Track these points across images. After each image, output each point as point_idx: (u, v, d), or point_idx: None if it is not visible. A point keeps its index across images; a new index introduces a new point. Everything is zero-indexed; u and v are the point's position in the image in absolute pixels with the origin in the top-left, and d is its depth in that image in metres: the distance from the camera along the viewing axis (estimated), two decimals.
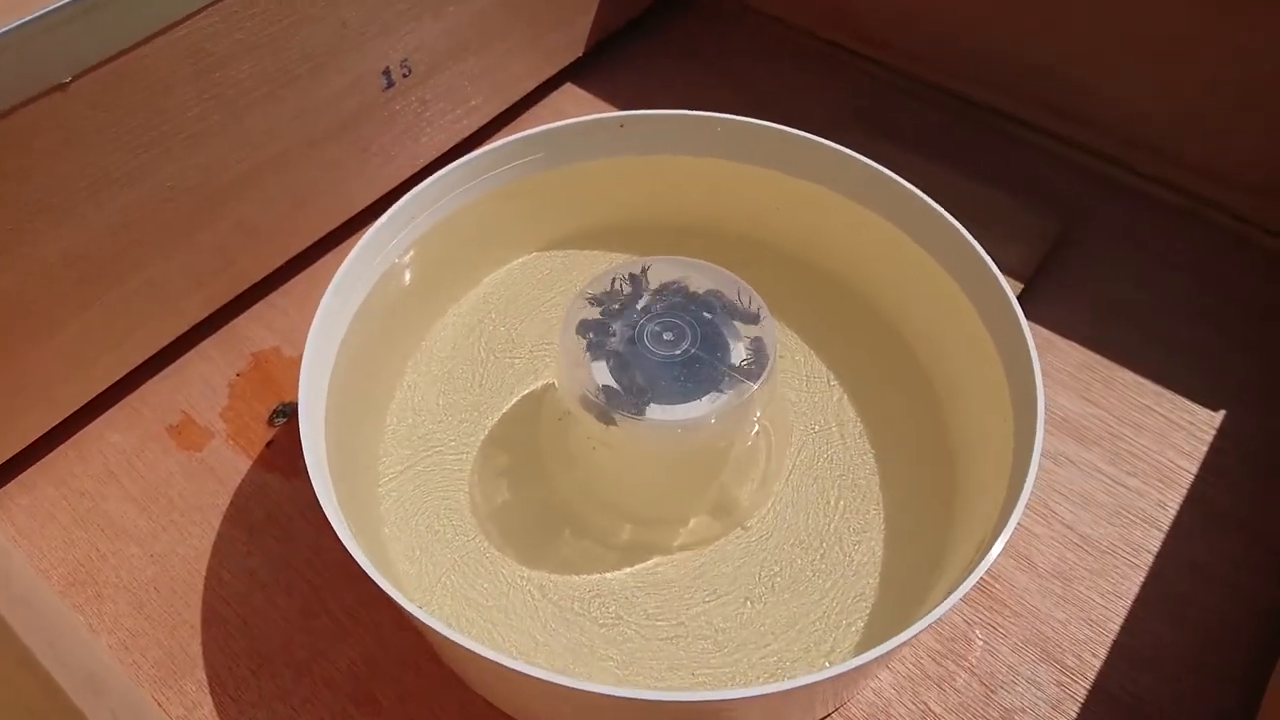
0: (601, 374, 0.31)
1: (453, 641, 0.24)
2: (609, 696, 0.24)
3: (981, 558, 0.26)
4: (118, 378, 0.39)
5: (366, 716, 0.32)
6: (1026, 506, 0.33)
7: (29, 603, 0.28)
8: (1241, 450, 0.38)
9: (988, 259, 0.32)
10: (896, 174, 0.35)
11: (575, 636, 0.31)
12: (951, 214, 0.34)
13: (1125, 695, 0.32)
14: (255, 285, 0.42)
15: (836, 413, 0.36)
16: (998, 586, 0.34)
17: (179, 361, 0.41)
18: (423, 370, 0.37)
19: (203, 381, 0.40)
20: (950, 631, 0.33)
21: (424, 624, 0.25)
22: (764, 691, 0.24)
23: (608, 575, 0.32)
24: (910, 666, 0.33)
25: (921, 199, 0.34)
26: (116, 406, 0.40)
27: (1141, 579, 0.35)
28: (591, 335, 0.32)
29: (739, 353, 0.31)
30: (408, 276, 0.36)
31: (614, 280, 0.33)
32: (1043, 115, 0.49)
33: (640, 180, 0.39)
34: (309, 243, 0.43)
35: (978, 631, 0.33)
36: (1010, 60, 0.48)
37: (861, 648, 0.31)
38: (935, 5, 0.49)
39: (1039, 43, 0.47)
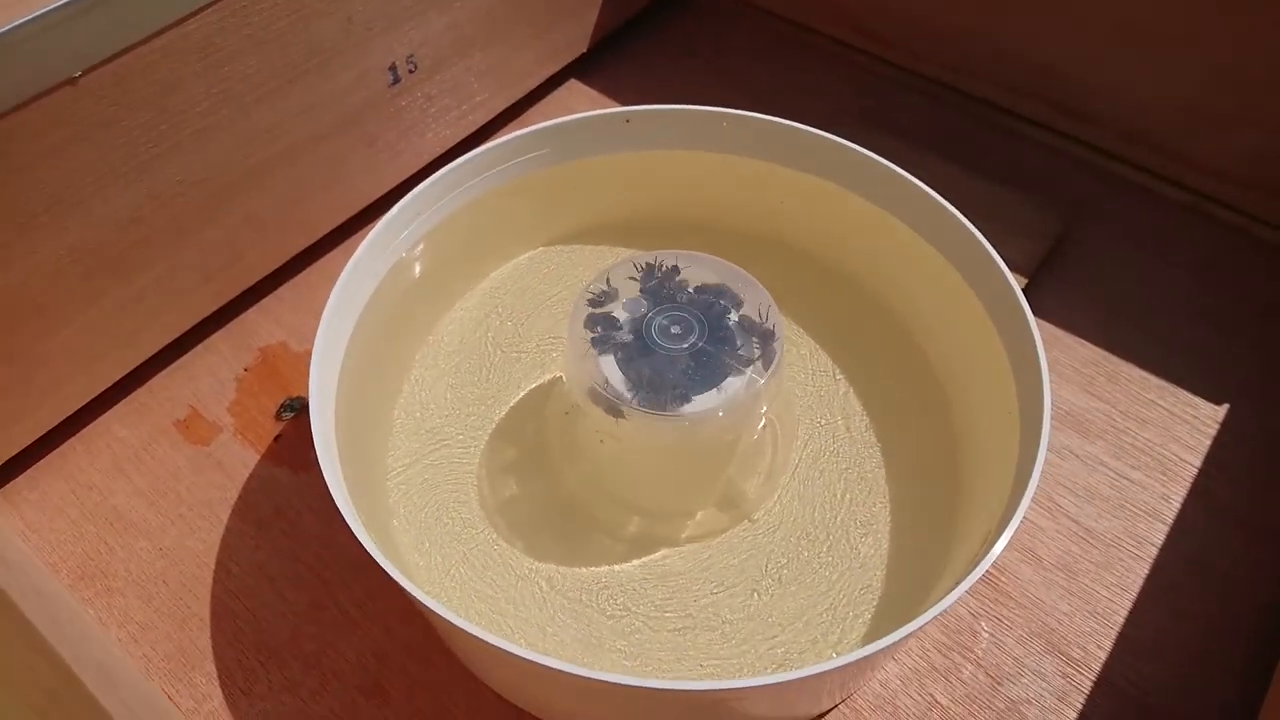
0: (610, 368, 0.31)
1: (464, 631, 0.24)
2: (618, 685, 0.24)
3: (987, 551, 0.26)
4: (125, 372, 0.39)
5: (375, 708, 0.32)
6: (1032, 499, 0.34)
7: (41, 593, 0.28)
8: (1244, 444, 0.38)
9: (994, 253, 0.32)
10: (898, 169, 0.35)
11: (584, 628, 0.31)
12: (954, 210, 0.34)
13: (1129, 686, 0.32)
14: (262, 280, 0.42)
15: (842, 407, 0.36)
16: (1003, 579, 0.35)
17: (186, 356, 0.41)
18: (430, 364, 0.38)
19: (210, 376, 0.40)
20: (956, 624, 0.34)
21: (435, 613, 0.25)
22: (772, 681, 0.24)
23: (616, 567, 0.33)
24: (917, 658, 0.33)
25: (927, 193, 0.34)
26: (124, 401, 0.40)
27: (1145, 571, 0.35)
28: (599, 329, 0.32)
29: (746, 346, 0.31)
30: (415, 270, 0.36)
31: (622, 274, 0.33)
32: (1045, 111, 0.49)
33: (646, 175, 0.39)
34: (315, 238, 0.44)
35: (983, 624, 0.34)
36: (1012, 56, 0.48)
37: (868, 639, 0.31)
38: (936, 1, 0.49)
39: (1041, 39, 0.47)
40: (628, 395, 0.30)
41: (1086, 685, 0.32)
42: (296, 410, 0.39)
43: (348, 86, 0.40)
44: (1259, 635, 0.33)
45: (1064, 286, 0.43)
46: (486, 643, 0.24)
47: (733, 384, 0.30)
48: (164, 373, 0.41)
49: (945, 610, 0.25)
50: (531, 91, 0.50)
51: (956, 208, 0.34)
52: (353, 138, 0.42)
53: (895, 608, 0.32)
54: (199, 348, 0.41)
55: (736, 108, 0.37)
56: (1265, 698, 0.32)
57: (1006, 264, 0.32)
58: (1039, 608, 0.34)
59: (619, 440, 0.32)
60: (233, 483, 0.37)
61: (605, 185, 0.40)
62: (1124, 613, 0.34)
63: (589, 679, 0.24)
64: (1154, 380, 0.40)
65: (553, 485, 0.35)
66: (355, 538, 0.26)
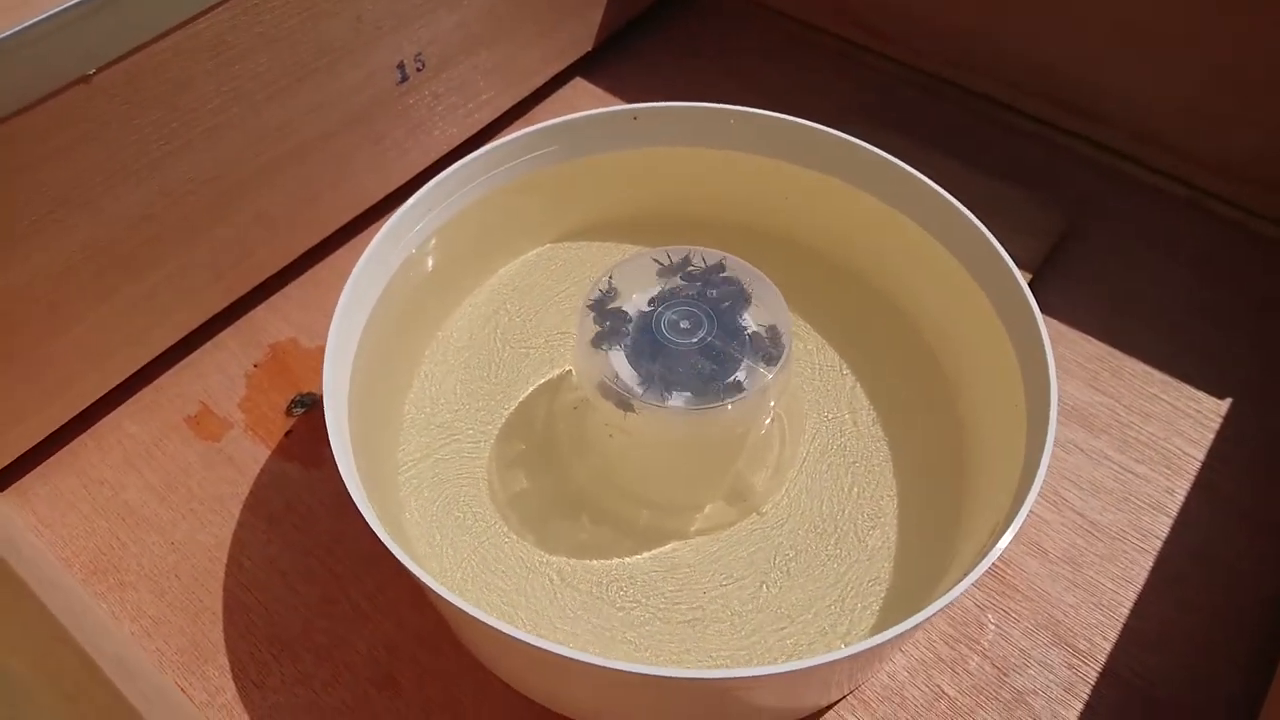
0: (619, 361, 0.31)
1: (476, 620, 0.24)
2: (629, 673, 0.24)
3: (994, 544, 0.27)
4: (136, 369, 0.39)
5: (387, 699, 0.32)
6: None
7: (56, 586, 0.28)
8: (1247, 438, 0.38)
9: (1001, 250, 0.33)
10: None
11: (594, 620, 0.32)
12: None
13: (1135, 678, 0.33)
14: (270, 278, 0.43)
15: (850, 401, 0.37)
16: (1009, 571, 0.35)
17: (197, 353, 0.41)
18: (440, 360, 0.38)
19: (220, 372, 0.41)
20: (963, 616, 0.34)
21: (447, 602, 0.25)
22: (782, 670, 0.24)
23: (625, 560, 0.33)
24: (924, 650, 0.33)
25: (934, 190, 0.35)
26: (135, 398, 0.40)
27: (1150, 564, 0.35)
28: (609, 323, 0.32)
29: (755, 341, 0.32)
30: (426, 266, 0.36)
31: (630, 269, 0.33)
32: (1048, 109, 0.49)
33: (653, 172, 0.40)
34: (324, 235, 0.44)
35: (990, 616, 0.34)
36: (1015, 54, 0.49)
37: (876, 631, 0.31)
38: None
39: (1042, 37, 0.47)
40: (637, 389, 0.31)
41: (1092, 676, 0.33)
42: (307, 406, 0.39)
43: (356, 85, 0.40)
44: (1264, 627, 0.34)
45: (1067, 283, 0.43)
46: (499, 631, 0.24)
47: (741, 378, 0.31)
48: (174, 369, 0.41)
49: (952, 602, 0.26)
50: (537, 90, 0.51)
51: (962, 203, 0.34)
52: (361, 136, 0.42)
53: (903, 600, 0.32)
54: (209, 345, 0.42)
55: (746, 105, 0.38)
56: (1270, 689, 0.32)
57: (1013, 260, 0.33)
58: (1045, 600, 0.34)
59: (628, 434, 0.32)
60: (244, 478, 0.37)
61: (613, 182, 0.40)
62: (1129, 605, 0.34)
63: (599, 667, 0.24)
64: (1158, 375, 0.40)
65: (562, 479, 0.35)
66: (367, 531, 0.26)
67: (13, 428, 0.36)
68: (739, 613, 0.32)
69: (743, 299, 0.33)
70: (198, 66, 0.34)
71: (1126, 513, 0.36)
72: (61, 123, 0.31)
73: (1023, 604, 0.34)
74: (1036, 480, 0.27)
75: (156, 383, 0.40)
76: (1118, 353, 0.41)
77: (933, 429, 0.36)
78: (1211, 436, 0.38)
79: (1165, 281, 0.43)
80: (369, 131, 0.42)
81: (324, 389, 0.30)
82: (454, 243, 0.37)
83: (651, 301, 0.33)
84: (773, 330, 0.32)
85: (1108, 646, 0.33)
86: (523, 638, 0.24)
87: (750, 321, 0.32)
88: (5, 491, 0.37)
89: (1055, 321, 0.42)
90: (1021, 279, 0.32)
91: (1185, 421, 0.39)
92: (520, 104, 0.50)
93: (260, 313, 0.43)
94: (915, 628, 0.25)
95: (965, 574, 0.26)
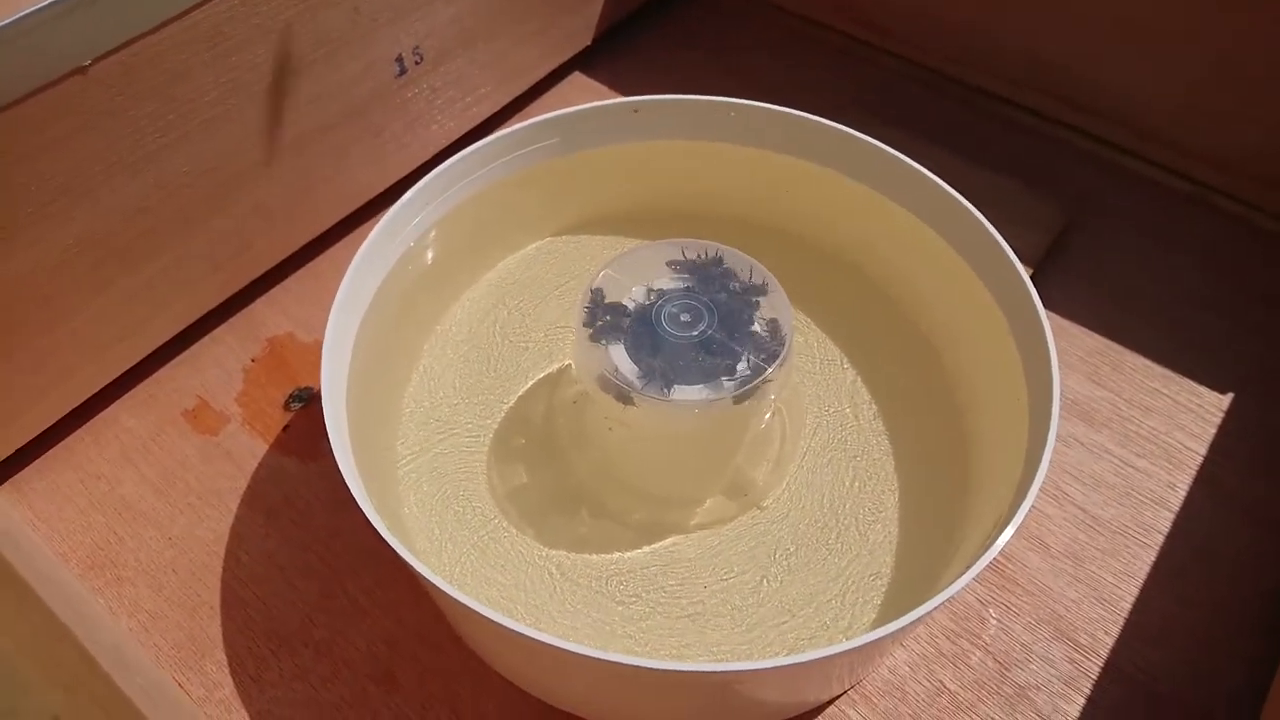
0: (619, 355, 0.31)
1: (475, 614, 0.24)
2: (627, 667, 0.24)
3: (993, 541, 0.26)
4: (133, 363, 0.39)
5: (386, 694, 0.32)
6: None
7: (52, 581, 0.28)
8: (1248, 432, 0.38)
9: (1003, 243, 0.33)
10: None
11: (595, 614, 0.31)
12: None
13: (1137, 672, 0.33)
14: (268, 272, 0.42)
15: (850, 395, 0.37)
16: (1011, 566, 0.35)
17: (194, 347, 0.41)
18: (438, 354, 0.38)
19: (218, 366, 0.40)
20: (964, 610, 0.34)
21: (447, 596, 0.25)
22: (781, 664, 0.24)
23: (626, 554, 0.33)
24: (925, 645, 0.33)
25: (935, 183, 0.34)
26: (132, 392, 0.40)
27: (1152, 559, 0.35)
28: (609, 316, 0.32)
29: (756, 334, 0.31)
30: (424, 260, 0.36)
31: (630, 262, 0.33)
32: (1048, 104, 0.49)
33: (653, 165, 0.39)
34: (321, 229, 0.44)
35: (991, 611, 0.34)
36: (1015, 50, 0.49)
37: (878, 625, 0.31)
38: None
39: (1044, 32, 0.47)
40: (637, 382, 0.30)
41: (1094, 671, 0.33)
42: (304, 400, 0.39)
43: (354, 77, 0.40)
44: (1265, 622, 0.34)
45: (1067, 277, 0.43)
46: (499, 625, 0.24)
47: (742, 372, 0.31)
48: (171, 364, 0.41)
49: (953, 597, 0.26)
50: (535, 84, 0.50)
51: (963, 198, 0.34)
52: (359, 128, 0.42)
53: (904, 594, 0.32)
54: (206, 339, 0.41)
55: (745, 99, 0.37)
56: (1272, 684, 0.32)
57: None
58: (1046, 594, 0.34)
59: (628, 427, 0.32)
60: (241, 472, 0.37)
61: (612, 175, 0.40)
62: (1131, 599, 0.34)
63: (600, 660, 0.24)
64: (1158, 369, 0.40)
65: (562, 473, 0.35)
66: (365, 526, 0.26)
67: (9, 422, 0.36)
68: (740, 607, 0.32)
69: (742, 292, 0.32)
70: (195, 58, 0.34)
71: (1128, 507, 0.36)
72: (57, 114, 0.31)
73: (1024, 598, 0.34)
74: (1038, 475, 0.27)
75: (154, 377, 0.40)
76: (1118, 347, 0.41)
77: (934, 423, 0.36)
78: (1213, 431, 0.38)
79: (1166, 276, 0.43)
80: (367, 124, 0.42)
81: (322, 383, 0.30)
82: (452, 236, 0.37)
83: (652, 294, 0.32)
84: (773, 324, 0.32)
85: (1110, 641, 0.33)
86: (523, 631, 0.24)
87: (750, 314, 0.32)
88: (2, 486, 0.37)
89: (1056, 316, 0.42)
90: (1024, 273, 0.32)
91: (1187, 416, 0.39)
92: (518, 98, 0.50)
93: (258, 307, 0.42)
94: (916, 622, 0.25)
95: (966, 569, 0.26)
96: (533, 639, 0.24)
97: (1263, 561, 0.35)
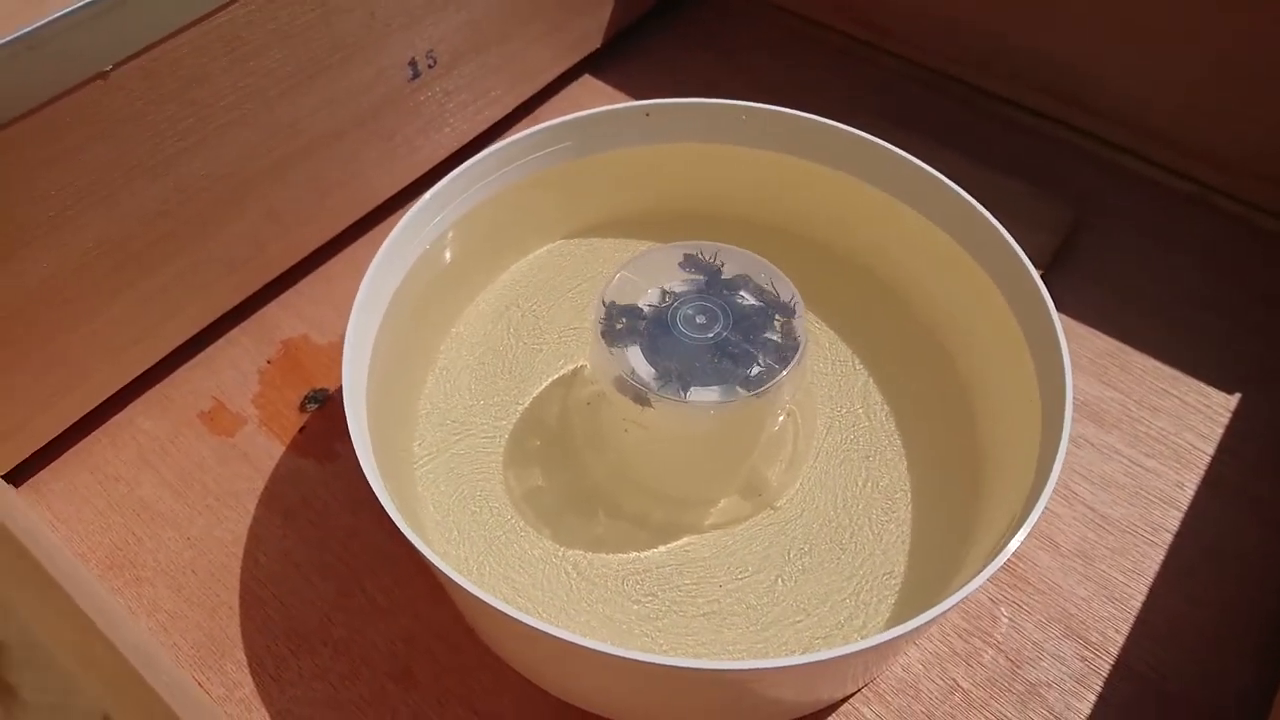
0: (636, 357, 0.31)
1: (494, 610, 0.25)
2: (644, 664, 0.24)
3: (1006, 542, 0.27)
4: (150, 365, 0.39)
5: (404, 692, 0.32)
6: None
7: (72, 580, 0.28)
8: (1256, 431, 0.38)
9: (1015, 245, 0.33)
10: None
11: (611, 613, 0.32)
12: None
13: (1148, 670, 0.33)
14: (283, 274, 0.43)
15: (863, 396, 0.37)
16: (1021, 565, 0.35)
17: (210, 349, 0.41)
18: (454, 355, 0.38)
19: (234, 368, 0.41)
20: (976, 609, 0.34)
21: (466, 594, 0.25)
22: (799, 662, 0.25)
23: (641, 554, 0.33)
24: (938, 644, 0.33)
25: (946, 184, 0.35)
26: (148, 394, 0.40)
27: (1161, 557, 0.35)
28: (625, 318, 0.32)
29: (770, 336, 0.32)
30: (442, 261, 0.37)
31: (646, 264, 0.33)
32: (1050, 105, 0.50)
33: (665, 168, 0.40)
34: (335, 232, 0.44)
35: (1003, 609, 0.34)
36: (1021, 50, 0.49)
37: (892, 624, 0.31)
38: None
39: (1045, 33, 0.48)
40: (654, 384, 0.31)
41: (1105, 669, 0.33)
42: (320, 402, 0.39)
43: (369, 81, 0.40)
44: (1274, 620, 0.34)
45: (1075, 279, 0.43)
46: (518, 621, 0.24)
47: (757, 373, 0.31)
48: (187, 366, 0.41)
49: (966, 598, 0.26)
50: (546, 87, 0.51)
51: (975, 200, 0.34)
52: (372, 132, 0.42)
53: (918, 593, 0.32)
54: (221, 341, 0.42)
55: (754, 101, 0.38)
56: None
57: None
58: (1057, 593, 0.34)
59: (645, 428, 0.32)
60: (258, 473, 0.37)
61: (625, 178, 0.40)
62: (1140, 598, 0.34)
63: (618, 658, 0.24)
64: (1167, 370, 0.40)
65: (577, 473, 0.35)
66: (381, 526, 0.27)
67: (27, 424, 0.36)
68: (755, 606, 0.32)
69: (758, 294, 0.33)
70: (214, 63, 0.34)
71: (1137, 507, 0.36)
72: (81, 118, 0.32)
73: (1035, 597, 0.34)
74: (1051, 477, 0.28)
75: (170, 379, 0.40)
76: (1126, 348, 0.41)
77: (946, 423, 0.36)
78: (1221, 431, 0.39)
79: (1170, 277, 0.44)
80: (380, 128, 0.42)
81: (344, 382, 0.30)
82: (469, 238, 0.37)
83: (667, 296, 0.33)
84: (787, 325, 0.32)
85: (1120, 639, 0.33)
86: (541, 627, 0.24)
87: (764, 316, 0.32)
88: (20, 487, 0.37)
89: (1065, 317, 0.42)
90: (1036, 275, 0.32)
91: (1195, 416, 0.39)
92: (529, 101, 0.50)
93: (273, 309, 0.43)
94: (931, 622, 0.25)
95: (981, 569, 0.26)
96: (551, 635, 0.24)
97: (1270, 561, 0.35)
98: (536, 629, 0.24)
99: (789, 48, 0.55)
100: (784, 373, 0.31)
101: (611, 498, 0.34)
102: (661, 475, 0.35)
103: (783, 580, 0.32)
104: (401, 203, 0.46)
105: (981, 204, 0.34)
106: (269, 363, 0.41)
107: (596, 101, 0.52)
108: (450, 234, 0.36)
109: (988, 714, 0.32)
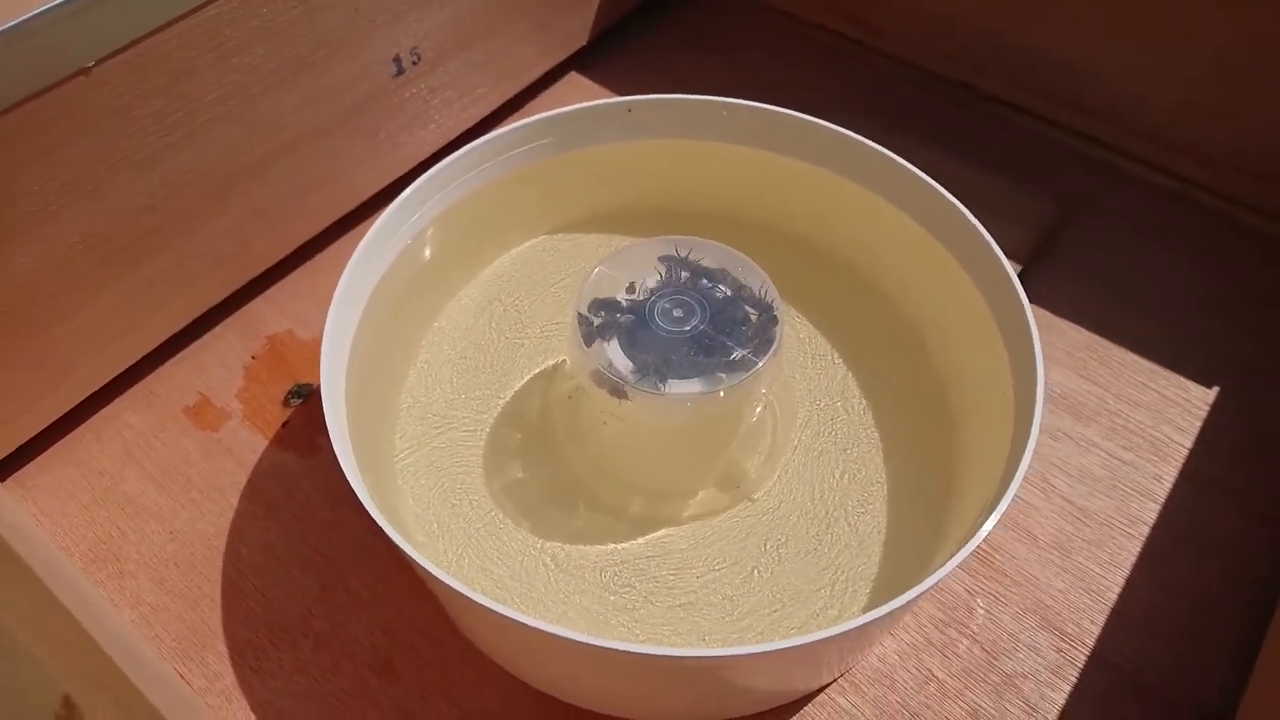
0: (614, 350, 0.32)
1: (472, 602, 0.25)
2: (619, 652, 0.24)
3: (978, 529, 0.27)
4: (135, 359, 0.40)
5: (385, 685, 0.32)
6: (1026, 480, 0.34)
7: (55, 574, 0.29)
8: (1233, 425, 0.39)
9: (989, 239, 0.33)
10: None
11: (588, 604, 0.32)
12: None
13: (1123, 661, 0.33)
14: (268, 270, 0.43)
15: (841, 389, 0.37)
16: (998, 557, 0.35)
17: (195, 345, 0.42)
18: (435, 350, 0.38)
19: (219, 364, 0.41)
20: (952, 600, 0.34)
21: (445, 587, 0.25)
22: (771, 648, 0.25)
23: (619, 546, 0.33)
24: (914, 634, 0.33)
25: (924, 180, 0.35)
26: (134, 389, 0.40)
27: (1138, 549, 0.36)
28: (603, 312, 0.32)
29: (747, 329, 0.32)
30: (422, 256, 0.37)
31: (624, 259, 0.34)
32: (1040, 103, 0.50)
33: (647, 164, 0.40)
34: (320, 228, 0.44)
35: (979, 600, 0.34)
36: (1018, 47, 0.49)
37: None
38: None
39: (1037, 30, 0.48)
40: (631, 377, 0.31)
41: (1080, 660, 0.33)
42: (304, 397, 0.40)
43: (353, 78, 0.41)
44: (1249, 610, 0.34)
45: (1057, 273, 0.44)
46: (496, 613, 0.25)
47: (734, 366, 0.31)
48: (173, 361, 0.41)
49: (940, 586, 0.26)
50: (531, 84, 0.51)
51: (953, 195, 0.35)
52: (356, 129, 0.42)
53: (893, 584, 0.32)
54: (207, 336, 0.42)
55: (741, 98, 0.38)
56: (1253, 671, 0.32)
57: (1002, 250, 0.33)
58: (1034, 585, 0.35)
59: (622, 421, 0.32)
60: (242, 468, 0.38)
61: (607, 174, 0.40)
62: (1117, 590, 0.35)
63: (595, 647, 0.24)
64: (1145, 364, 0.41)
65: (557, 467, 0.35)
66: (363, 520, 0.27)
67: (13, 418, 0.37)
68: (731, 597, 0.32)
69: (735, 288, 0.33)
70: (198, 59, 0.35)
71: (1114, 499, 0.37)
72: (64, 114, 0.32)
73: (1011, 589, 0.35)
74: (1023, 462, 0.28)
75: (155, 374, 0.41)
76: (1106, 342, 0.41)
77: (922, 416, 0.36)
78: (1199, 424, 0.39)
79: (1155, 272, 0.44)
80: (364, 125, 0.43)
81: (322, 378, 0.30)
82: (449, 234, 0.37)
83: (645, 290, 0.33)
84: (764, 318, 0.32)
85: (1096, 630, 0.34)
86: (517, 618, 0.24)
87: (742, 309, 0.33)
88: (5, 482, 0.38)
89: (1044, 311, 0.42)
90: (1009, 268, 0.32)
91: (1173, 409, 0.39)
92: (515, 98, 0.50)
93: (258, 305, 0.43)
94: (902, 608, 0.26)
95: (951, 557, 0.27)
96: (527, 626, 0.24)
97: (1245, 552, 0.36)
98: (509, 618, 0.25)
99: (776, 46, 0.55)
100: (760, 364, 0.31)
101: (590, 490, 0.35)
102: (639, 468, 0.35)
103: (759, 571, 0.33)
104: (386, 199, 0.45)
105: (962, 200, 0.34)
106: (254, 358, 0.41)
107: (583, 99, 0.52)
108: (430, 230, 0.36)
109: (963, 704, 0.32)
